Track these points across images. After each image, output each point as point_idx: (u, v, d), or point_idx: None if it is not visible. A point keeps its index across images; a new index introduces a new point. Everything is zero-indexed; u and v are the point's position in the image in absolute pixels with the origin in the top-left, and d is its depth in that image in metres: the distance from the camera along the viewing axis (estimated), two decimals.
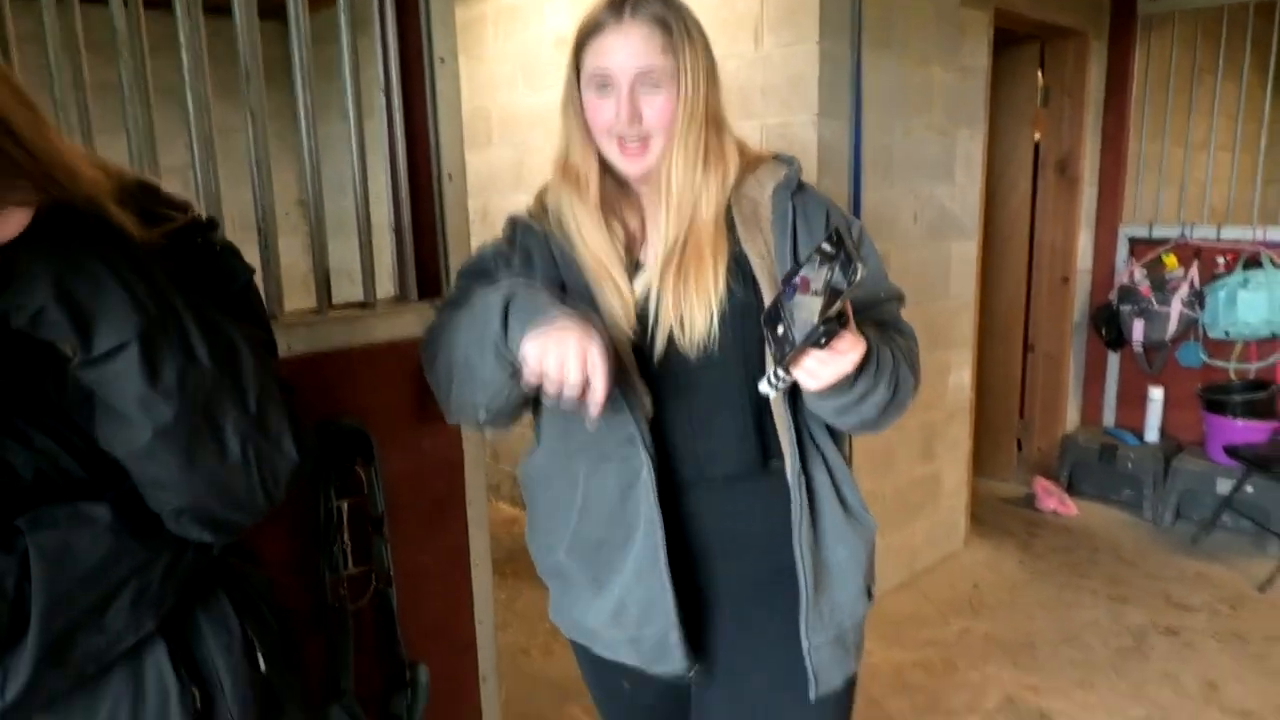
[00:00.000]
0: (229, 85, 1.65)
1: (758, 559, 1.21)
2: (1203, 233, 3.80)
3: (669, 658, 1.19)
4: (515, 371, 1.01)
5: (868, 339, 1.02)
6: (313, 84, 1.61)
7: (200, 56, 1.46)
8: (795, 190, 1.18)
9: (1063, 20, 3.67)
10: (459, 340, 1.09)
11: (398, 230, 1.76)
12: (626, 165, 1.16)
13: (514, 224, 1.27)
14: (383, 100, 1.71)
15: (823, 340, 0.93)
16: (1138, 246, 4.00)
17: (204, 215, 0.91)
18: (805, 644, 1.16)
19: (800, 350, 0.95)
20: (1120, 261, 4.05)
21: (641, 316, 1.15)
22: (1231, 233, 3.72)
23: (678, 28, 1.13)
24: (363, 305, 1.70)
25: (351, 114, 1.66)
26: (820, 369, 0.98)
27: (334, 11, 1.62)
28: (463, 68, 3.98)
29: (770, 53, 2.60)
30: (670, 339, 1.14)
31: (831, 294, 0.90)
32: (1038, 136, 4.04)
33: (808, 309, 0.92)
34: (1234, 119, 3.99)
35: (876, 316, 1.18)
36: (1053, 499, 3.92)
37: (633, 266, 1.18)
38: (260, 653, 0.90)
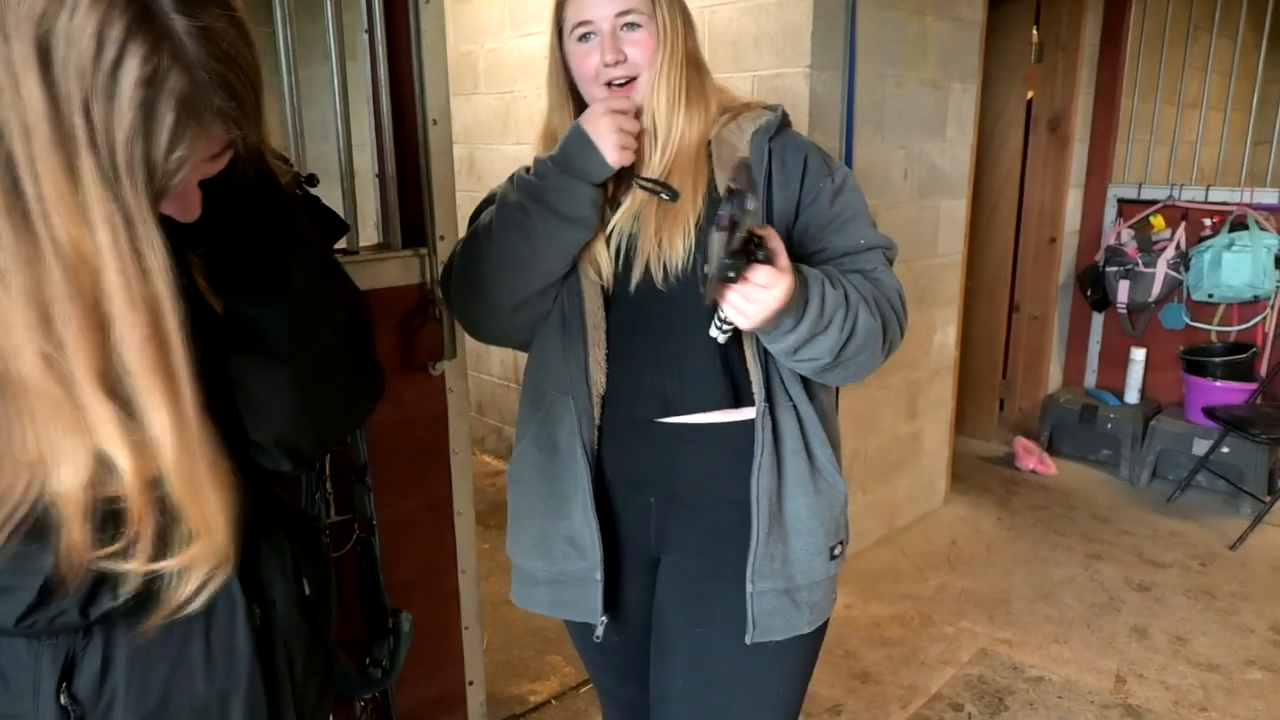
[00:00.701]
0: None
1: (719, 503, 1.21)
2: (1191, 194, 3.79)
3: (586, 597, 1.24)
4: (592, 198, 1.15)
5: (803, 277, 1.04)
6: (294, 24, 1.56)
7: None
8: (774, 135, 1.20)
9: None
10: (500, 239, 1.19)
11: (381, 177, 1.73)
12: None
13: (510, 178, 1.28)
14: (365, 41, 1.66)
15: (730, 274, 0.95)
16: (1126, 207, 3.99)
17: (304, 172, 1.00)
18: (749, 587, 1.18)
19: (714, 284, 0.96)
20: (1108, 222, 4.04)
21: (618, 251, 1.20)
22: (1219, 194, 3.72)
23: None
24: (345, 253, 1.67)
25: (334, 56, 1.62)
26: (745, 305, 1.00)
27: None
28: (449, 9, 3.87)
29: (764, 2, 2.55)
30: (647, 270, 1.16)
31: (731, 226, 0.92)
32: (1030, 94, 4.00)
33: (720, 244, 0.93)
34: (1228, 77, 3.97)
35: (853, 266, 1.18)
36: (1032, 458, 3.97)
37: (610, 205, 1.21)
38: (305, 577, 0.94)
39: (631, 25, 1.17)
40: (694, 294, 1.06)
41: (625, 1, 1.17)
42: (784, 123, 1.23)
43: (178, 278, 0.62)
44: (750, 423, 1.18)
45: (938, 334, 3.38)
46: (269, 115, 0.72)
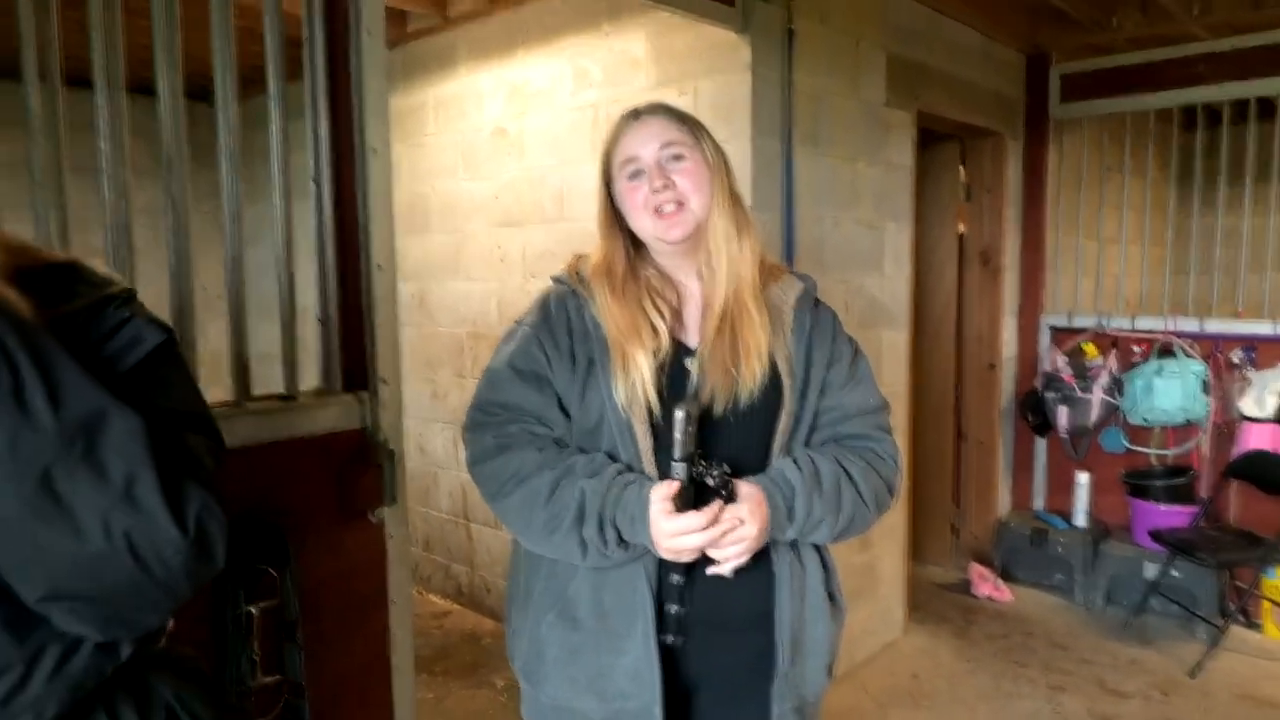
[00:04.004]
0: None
1: (747, 634, 1.29)
2: (1118, 322, 3.96)
3: None
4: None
5: (782, 504, 1.21)
6: (239, 169, 1.58)
7: (120, 138, 1.43)
8: (812, 309, 1.36)
9: (980, 122, 3.86)
10: (549, 526, 1.22)
11: (324, 320, 1.72)
12: (667, 230, 1.28)
13: (546, 298, 1.36)
14: (313, 188, 1.68)
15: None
16: (1059, 335, 4.15)
17: (120, 289, 0.85)
18: (775, 710, 1.28)
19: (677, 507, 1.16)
20: (1043, 349, 4.18)
21: (680, 382, 1.27)
22: (1145, 322, 3.89)
23: (689, 119, 1.33)
24: (283, 398, 1.64)
25: (278, 200, 1.63)
26: (732, 550, 1.18)
27: (265, 98, 1.60)
28: (403, 155, 4.01)
29: None
30: (711, 400, 1.24)
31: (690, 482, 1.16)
32: (962, 229, 4.20)
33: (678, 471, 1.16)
34: (1142, 213, 4.22)
35: (861, 429, 1.33)
36: (987, 584, 3.94)
37: (675, 349, 1.28)
38: None
39: (677, 157, 1.27)
40: (752, 422, 1.26)
41: (669, 135, 1.28)
42: (815, 293, 1.38)
43: None
44: (770, 551, 1.27)
45: None
46: None
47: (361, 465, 1.68)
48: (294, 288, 1.67)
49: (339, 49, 1.66)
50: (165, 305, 1.50)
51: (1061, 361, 3.99)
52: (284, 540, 1.54)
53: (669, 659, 1.26)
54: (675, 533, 1.15)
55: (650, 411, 1.23)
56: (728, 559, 1.19)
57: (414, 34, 3.65)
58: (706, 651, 1.29)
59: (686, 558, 1.19)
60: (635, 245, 1.35)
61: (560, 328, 1.30)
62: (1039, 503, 4.27)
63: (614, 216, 1.33)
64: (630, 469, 1.24)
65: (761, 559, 1.25)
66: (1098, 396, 3.85)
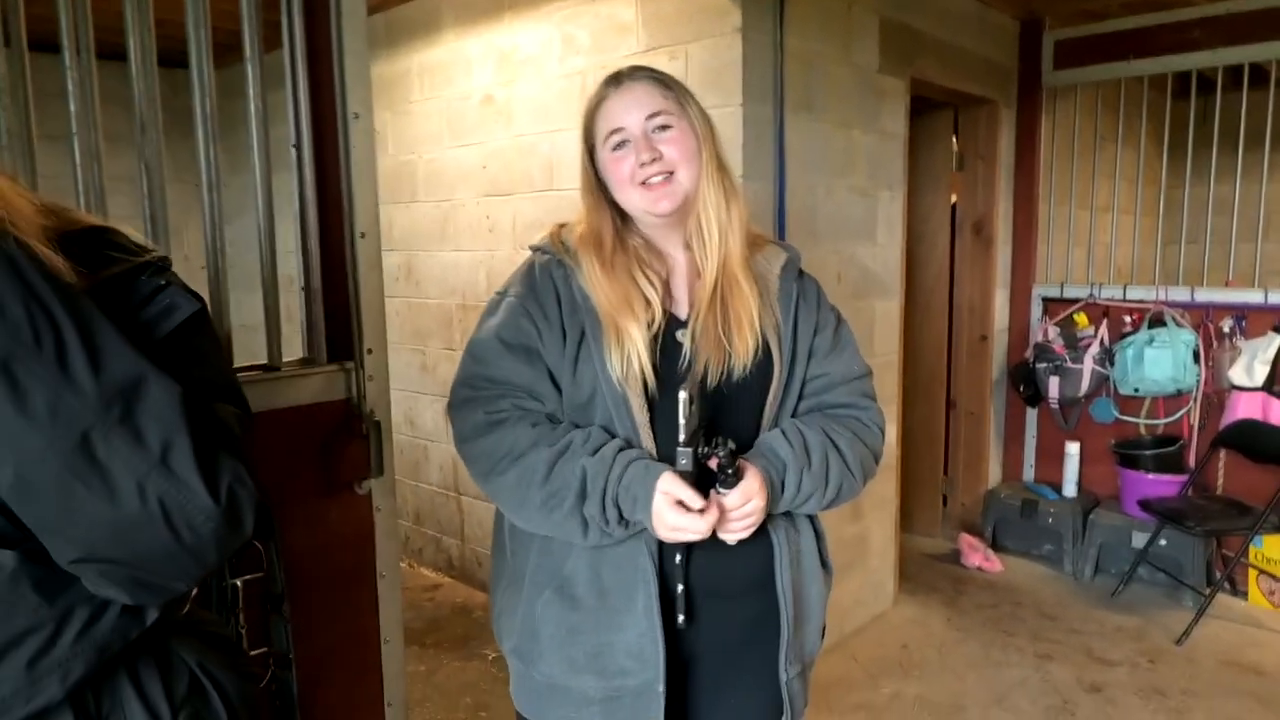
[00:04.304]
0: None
1: (746, 601, 1.29)
2: (1110, 293, 3.95)
3: (648, 709, 1.23)
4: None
5: (776, 478, 1.21)
6: (217, 137, 1.53)
7: (90, 103, 1.38)
8: (797, 278, 1.35)
9: (974, 89, 3.82)
10: (547, 502, 1.19)
11: (307, 290, 1.68)
12: (655, 203, 1.24)
13: (531, 267, 1.32)
14: (293, 155, 1.64)
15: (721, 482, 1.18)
16: (1050, 305, 4.14)
17: (155, 257, 0.86)
18: (783, 675, 1.29)
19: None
20: (1035, 320, 4.18)
21: (672, 354, 1.25)
22: (1136, 293, 3.89)
23: (674, 84, 1.27)
24: (266, 368, 1.61)
25: (258, 169, 1.59)
26: (737, 525, 1.18)
27: (244, 64, 1.55)
28: (389, 123, 3.93)
29: None
30: (705, 372, 1.23)
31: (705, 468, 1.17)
32: (954, 199, 4.17)
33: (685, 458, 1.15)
34: (1134, 183, 4.20)
35: (847, 398, 1.34)
36: (977, 554, 3.96)
37: (666, 321, 1.26)
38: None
39: (664, 126, 1.23)
40: (743, 393, 1.25)
41: (655, 104, 1.23)
42: (799, 262, 1.37)
43: None
44: (765, 521, 1.25)
45: None
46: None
47: (346, 436, 1.65)
48: (275, 256, 1.63)
49: (318, 9, 1.61)
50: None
51: (1053, 332, 3.99)
52: (269, 513, 1.52)
53: (671, 633, 1.24)
54: (678, 527, 1.14)
55: (645, 385, 1.21)
56: (732, 535, 1.19)
57: None
58: (706, 623, 1.28)
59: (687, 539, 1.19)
60: (621, 215, 1.31)
61: (548, 298, 1.26)
62: (1029, 473, 4.29)
63: (598, 185, 1.30)
64: (629, 444, 1.22)
65: (758, 529, 1.24)
66: (1088, 367, 3.85)
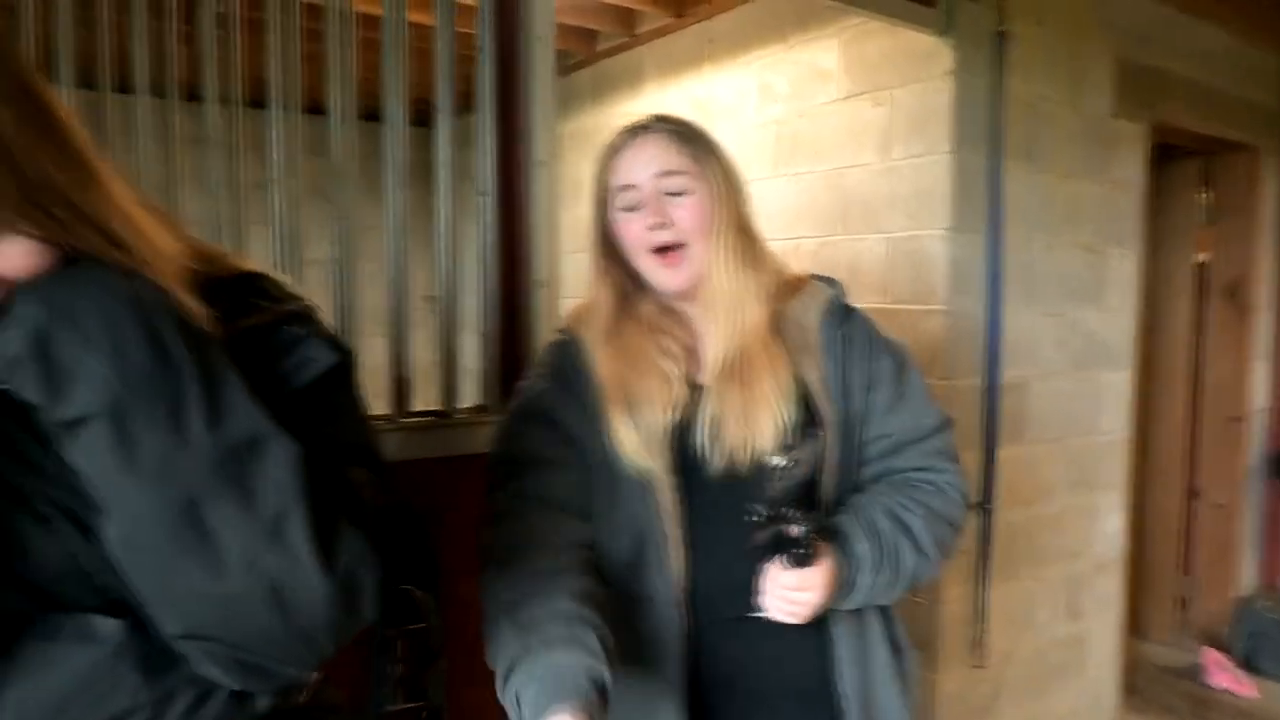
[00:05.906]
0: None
1: (796, 709, 1.15)
2: None
3: None
4: None
5: (849, 559, 1.08)
6: (406, 184, 1.57)
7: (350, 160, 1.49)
8: (842, 320, 1.19)
9: (1231, 134, 3.37)
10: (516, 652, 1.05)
11: (484, 336, 1.68)
12: (667, 277, 1.15)
13: (546, 349, 1.27)
14: (480, 203, 1.66)
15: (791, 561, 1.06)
16: None
17: (301, 306, 0.80)
18: None
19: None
20: None
21: (691, 434, 1.13)
22: None
23: (695, 139, 1.16)
24: (439, 414, 1.61)
25: (443, 215, 1.62)
26: (789, 607, 1.06)
27: (437, 114, 1.59)
28: (567, 173, 4.01)
29: (897, 164, 2.46)
30: (730, 458, 1.11)
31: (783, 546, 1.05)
32: (1201, 258, 3.68)
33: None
34: None
35: (914, 462, 1.18)
36: (1225, 674, 3.37)
37: (689, 389, 1.15)
38: None
39: (677, 193, 1.13)
40: (787, 471, 1.11)
41: (668, 161, 1.13)
42: (843, 299, 1.22)
43: None
44: (824, 615, 1.12)
45: (1101, 521, 2.98)
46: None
47: None
48: (456, 302, 1.64)
49: (509, 60, 1.63)
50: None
51: None
52: (435, 562, 1.50)
53: None
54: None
55: (672, 472, 1.10)
56: (770, 611, 1.08)
57: (603, 53, 3.68)
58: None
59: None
60: (634, 278, 1.19)
61: (569, 374, 1.18)
62: None
63: (608, 247, 1.19)
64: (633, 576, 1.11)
65: (816, 619, 1.12)
66: None
